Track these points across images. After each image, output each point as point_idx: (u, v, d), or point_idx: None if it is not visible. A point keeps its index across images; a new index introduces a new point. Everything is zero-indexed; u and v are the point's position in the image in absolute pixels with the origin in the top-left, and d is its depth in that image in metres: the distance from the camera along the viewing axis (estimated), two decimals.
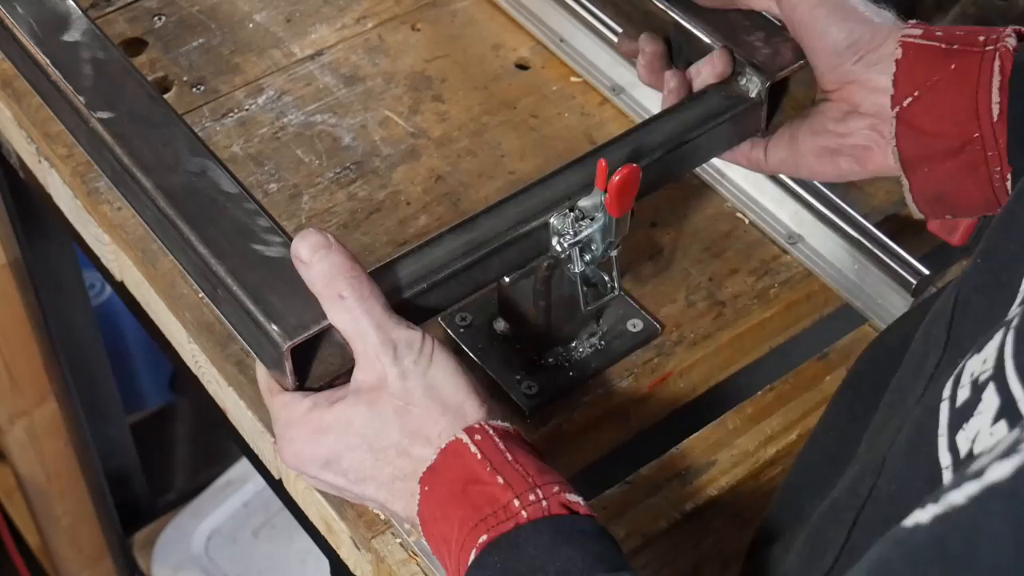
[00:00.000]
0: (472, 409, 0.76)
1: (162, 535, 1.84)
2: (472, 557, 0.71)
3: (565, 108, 1.12)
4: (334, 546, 0.94)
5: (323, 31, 1.17)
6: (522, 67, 1.15)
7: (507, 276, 0.87)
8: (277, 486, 0.98)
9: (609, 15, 1.10)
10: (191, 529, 1.85)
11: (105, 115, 0.89)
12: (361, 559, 0.91)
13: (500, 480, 0.72)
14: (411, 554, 0.87)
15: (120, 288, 1.10)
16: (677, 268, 1.02)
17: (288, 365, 0.78)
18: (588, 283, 0.87)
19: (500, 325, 0.97)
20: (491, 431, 0.75)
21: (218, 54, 1.15)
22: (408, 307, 0.82)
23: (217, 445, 2.01)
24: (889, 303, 0.98)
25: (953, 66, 0.83)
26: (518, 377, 0.95)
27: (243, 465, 1.89)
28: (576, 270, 0.86)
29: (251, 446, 0.99)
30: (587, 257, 0.86)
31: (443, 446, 0.74)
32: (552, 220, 0.85)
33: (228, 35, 1.17)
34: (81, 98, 0.90)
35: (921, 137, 0.85)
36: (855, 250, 1.00)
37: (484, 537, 0.71)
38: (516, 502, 0.71)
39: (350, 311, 0.76)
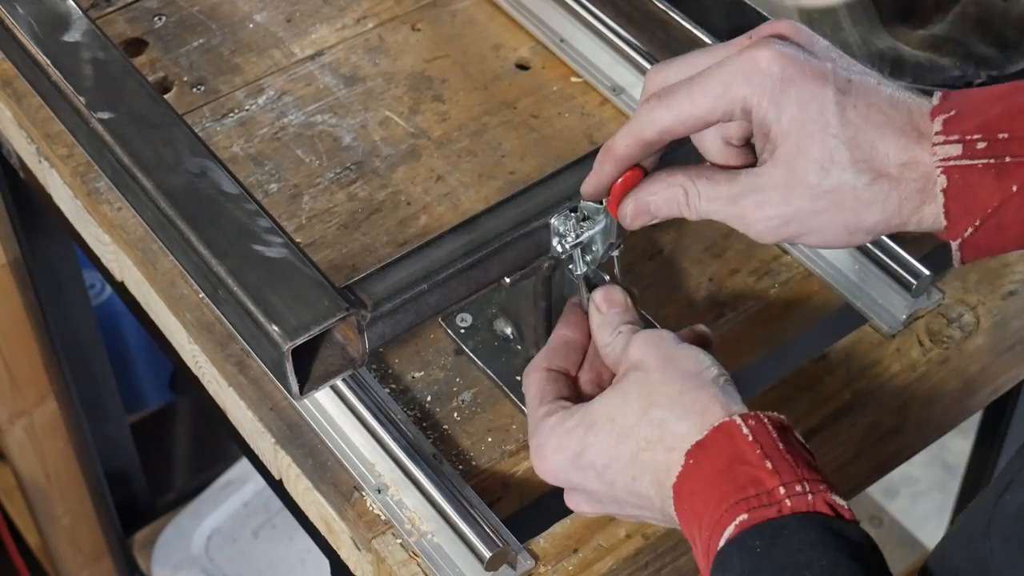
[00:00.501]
0: (733, 394, 0.77)
1: (162, 535, 1.84)
2: (727, 535, 0.71)
3: (565, 108, 1.12)
4: (334, 546, 0.94)
5: (323, 31, 1.17)
6: (522, 67, 1.15)
7: (507, 277, 0.87)
8: (277, 486, 0.98)
9: (609, 15, 1.10)
10: (191, 529, 1.85)
11: (105, 115, 0.89)
12: (361, 559, 0.91)
13: (768, 465, 0.71)
14: (411, 554, 0.87)
15: (120, 288, 1.10)
16: (677, 268, 1.02)
17: (288, 366, 0.78)
18: (589, 284, 0.87)
19: (500, 326, 0.97)
20: (765, 419, 0.74)
21: (218, 54, 1.15)
22: (408, 307, 0.82)
23: (217, 445, 2.01)
24: (889, 303, 0.98)
25: (1015, 188, 0.73)
26: (519, 378, 0.95)
27: (243, 465, 1.89)
28: (578, 272, 0.86)
29: (251, 446, 0.99)
30: (588, 258, 0.86)
31: (715, 424, 0.74)
32: (553, 221, 0.85)
33: (228, 35, 1.17)
34: (81, 98, 0.90)
35: (991, 249, 0.77)
36: (855, 250, 1.00)
37: (744, 517, 0.70)
38: (782, 489, 0.71)
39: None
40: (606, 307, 0.84)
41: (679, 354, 0.79)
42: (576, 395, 0.84)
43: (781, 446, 0.73)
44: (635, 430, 0.77)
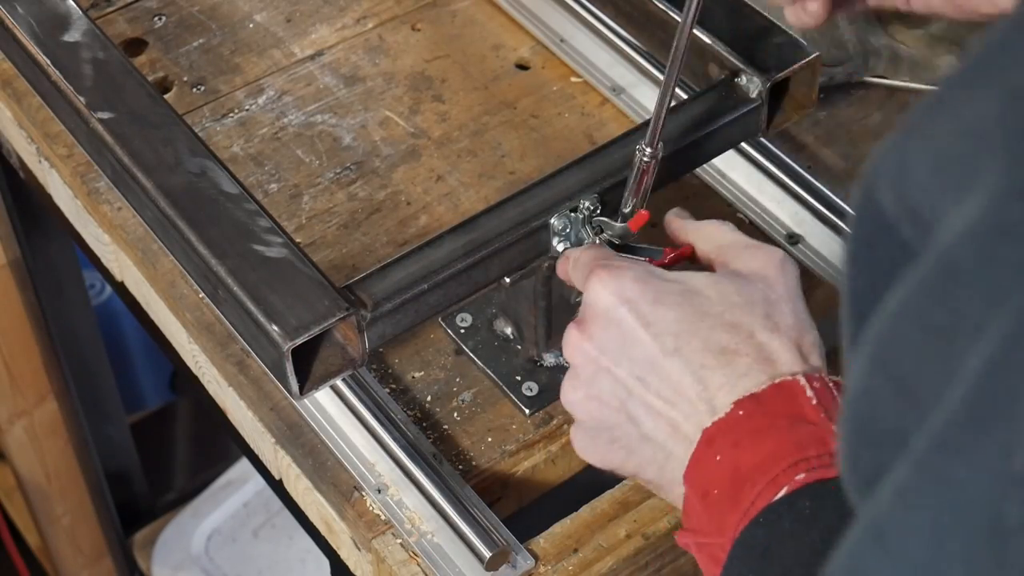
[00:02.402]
0: (815, 357, 0.73)
1: (162, 535, 1.84)
2: (782, 493, 0.67)
3: (565, 108, 1.12)
4: (334, 546, 0.94)
5: (323, 31, 1.17)
6: (522, 67, 1.15)
7: (507, 277, 0.87)
8: (277, 486, 0.98)
9: (609, 15, 1.10)
10: (191, 529, 1.85)
11: (105, 115, 0.89)
12: (361, 559, 0.91)
13: (834, 427, 0.68)
14: (411, 554, 0.87)
15: (120, 288, 1.10)
16: (677, 268, 1.02)
17: (288, 366, 0.78)
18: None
19: (500, 325, 0.97)
20: (831, 383, 0.71)
21: (218, 54, 1.15)
22: (408, 307, 0.82)
23: (217, 445, 2.01)
24: None
25: None
26: (519, 378, 0.95)
27: (243, 465, 1.89)
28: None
29: (251, 446, 0.99)
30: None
31: (776, 380, 0.71)
32: (553, 221, 0.85)
33: (228, 35, 1.17)
34: (81, 98, 0.90)
35: None
36: None
37: (802, 475, 0.67)
38: None
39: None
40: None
41: (799, 293, 0.75)
42: None
43: None
44: (717, 325, 0.73)
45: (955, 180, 0.44)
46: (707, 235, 0.81)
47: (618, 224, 0.84)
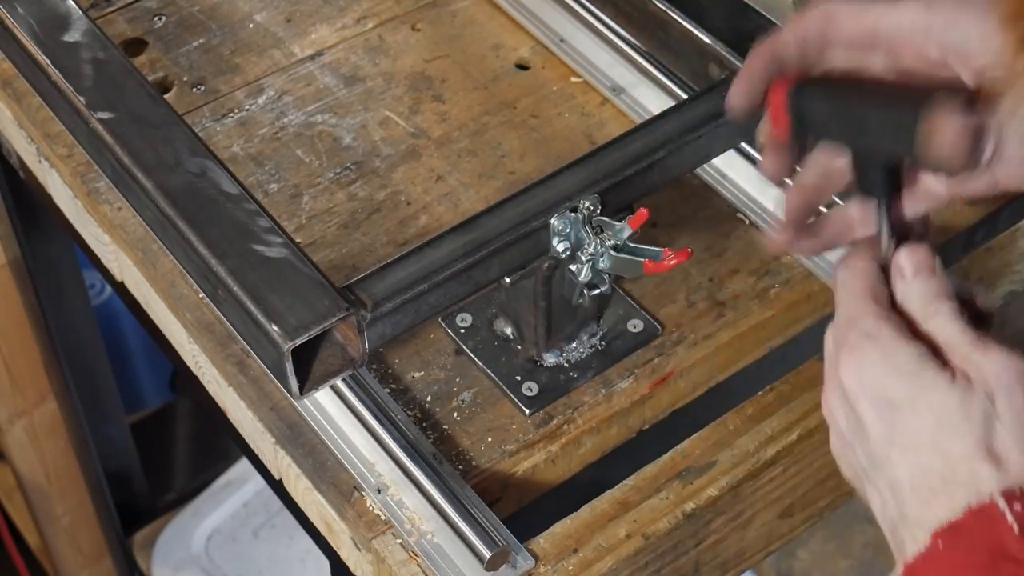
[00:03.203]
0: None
1: (162, 535, 1.84)
2: None
3: (565, 108, 1.12)
4: (334, 546, 0.94)
5: (323, 31, 1.17)
6: (522, 67, 1.15)
7: (507, 277, 0.87)
8: (277, 486, 0.98)
9: (609, 15, 1.10)
10: (191, 529, 1.85)
11: (105, 115, 0.89)
12: (361, 559, 0.91)
13: None
14: (411, 555, 0.87)
15: (120, 288, 1.10)
16: (677, 268, 1.02)
17: (288, 366, 0.78)
18: (591, 286, 0.87)
19: (500, 325, 0.97)
20: None
21: (218, 54, 1.15)
22: (408, 307, 0.82)
23: (217, 445, 2.01)
24: None
25: None
26: (519, 378, 0.95)
27: (243, 465, 1.89)
28: (582, 279, 0.86)
29: (251, 446, 0.99)
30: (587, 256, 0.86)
31: (972, 504, 0.64)
32: (553, 221, 0.85)
33: (228, 35, 1.17)
34: (81, 98, 0.90)
35: None
36: None
37: None
38: None
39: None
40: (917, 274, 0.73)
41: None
42: None
43: None
44: (943, 451, 0.67)
45: None
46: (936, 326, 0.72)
47: (618, 224, 0.84)
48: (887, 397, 0.68)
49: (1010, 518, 0.63)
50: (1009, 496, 0.64)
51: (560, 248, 0.85)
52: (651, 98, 1.08)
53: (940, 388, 0.67)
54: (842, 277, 0.74)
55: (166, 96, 1.10)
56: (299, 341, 0.77)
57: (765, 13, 0.94)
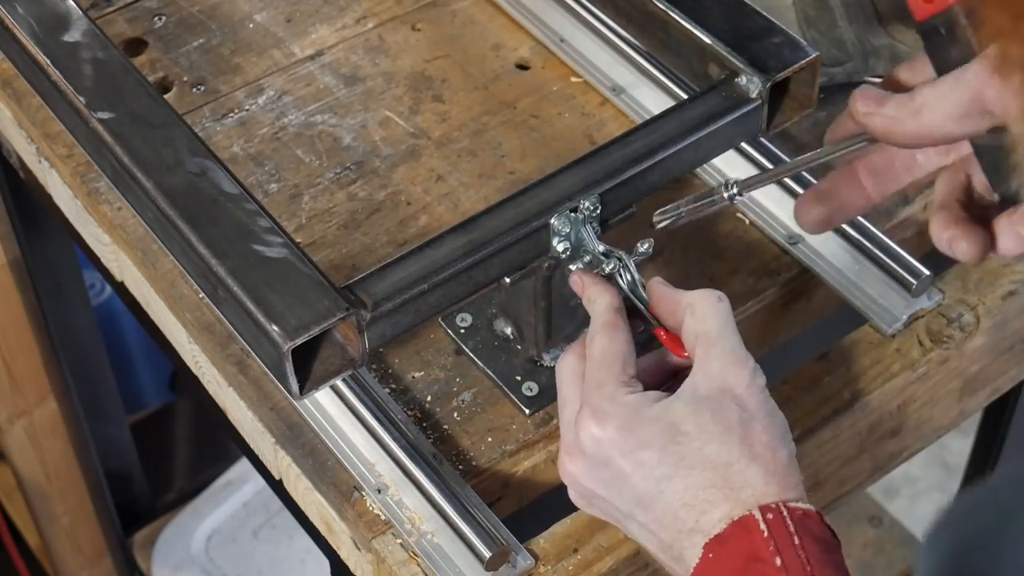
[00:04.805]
0: (791, 473, 0.76)
1: (162, 535, 1.84)
2: None
3: (565, 108, 1.12)
4: (334, 546, 0.94)
5: (323, 31, 1.17)
6: (522, 67, 1.15)
7: (507, 277, 0.87)
8: (277, 486, 0.98)
9: (609, 15, 1.10)
10: (191, 529, 1.85)
11: (105, 115, 0.89)
12: (361, 559, 0.91)
13: (778, 562, 0.72)
14: (411, 555, 0.87)
15: (120, 288, 1.10)
16: (677, 268, 1.02)
17: (288, 366, 0.78)
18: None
19: (501, 325, 0.97)
20: (785, 512, 0.74)
21: (218, 54, 1.15)
22: (408, 307, 0.82)
23: (217, 445, 2.01)
24: (889, 303, 0.98)
25: None
26: (519, 378, 0.95)
27: (243, 465, 1.89)
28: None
29: (251, 446, 0.99)
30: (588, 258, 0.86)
31: (735, 517, 0.74)
32: (553, 221, 0.85)
33: (228, 35, 1.17)
34: (81, 98, 0.90)
35: None
36: (855, 250, 1.00)
37: None
38: None
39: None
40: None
41: (769, 406, 0.78)
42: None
43: (796, 541, 0.73)
44: (696, 470, 0.75)
45: None
46: (692, 324, 0.82)
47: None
48: (638, 441, 0.76)
49: (763, 525, 0.73)
50: (764, 508, 0.73)
51: (560, 248, 0.85)
52: (651, 98, 1.08)
53: (691, 408, 0.76)
54: (591, 291, 0.83)
55: (166, 96, 1.10)
56: (299, 341, 0.77)
57: (765, 13, 0.94)
